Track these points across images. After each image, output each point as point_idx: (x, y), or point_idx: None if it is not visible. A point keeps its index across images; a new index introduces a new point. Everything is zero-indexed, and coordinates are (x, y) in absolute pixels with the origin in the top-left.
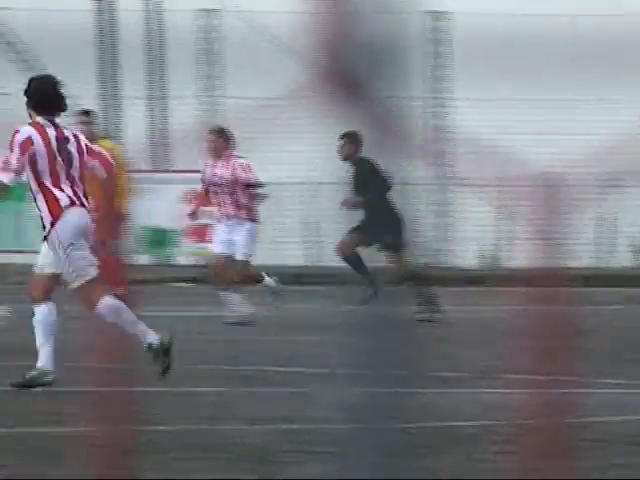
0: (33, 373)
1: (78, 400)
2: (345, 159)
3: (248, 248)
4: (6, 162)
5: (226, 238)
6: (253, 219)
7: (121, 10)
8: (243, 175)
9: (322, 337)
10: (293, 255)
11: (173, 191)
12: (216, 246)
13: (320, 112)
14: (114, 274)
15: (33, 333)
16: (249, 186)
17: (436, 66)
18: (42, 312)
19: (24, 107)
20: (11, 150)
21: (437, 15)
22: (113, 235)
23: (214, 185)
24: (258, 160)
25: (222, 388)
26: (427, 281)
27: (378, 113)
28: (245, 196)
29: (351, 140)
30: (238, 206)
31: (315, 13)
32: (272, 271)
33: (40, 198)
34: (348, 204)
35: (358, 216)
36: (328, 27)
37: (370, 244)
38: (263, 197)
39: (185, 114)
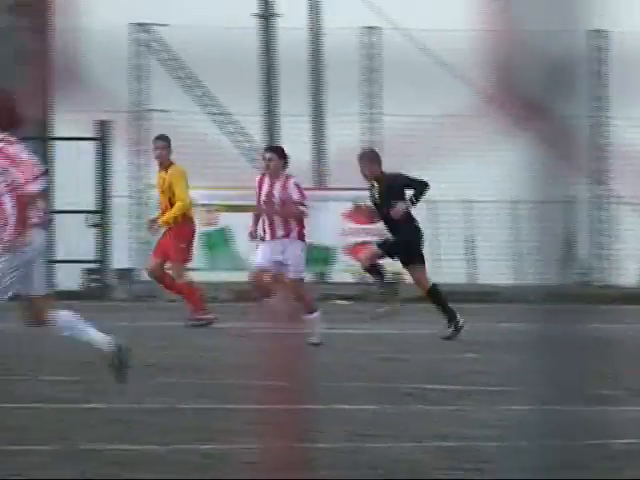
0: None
1: (231, 417)
2: (371, 178)
3: (300, 271)
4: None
5: (269, 254)
6: (302, 239)
7: (283, 28)
8: (294, 193)
9: (482, 355)
10: (455, 273)
11: (334, 209)
12: (257, 259)
13: (489, 131)
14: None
15: (191, 349)
16: (296, 203)
17: (598, 85)
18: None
19: (184, 124)
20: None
21: (598, 33)
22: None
23: (267, 204)
24: (419, 175)
25: (379, 405)
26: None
27: (554, 132)
28: (295, 218)
29: (372, 159)
30: (288, 226)
31: (485, 31)
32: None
33: (9, 201)
34: (398, 213)
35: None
36: (499, 46)
37: (391, 257)
38: (303, 216)
39: (345, 132)
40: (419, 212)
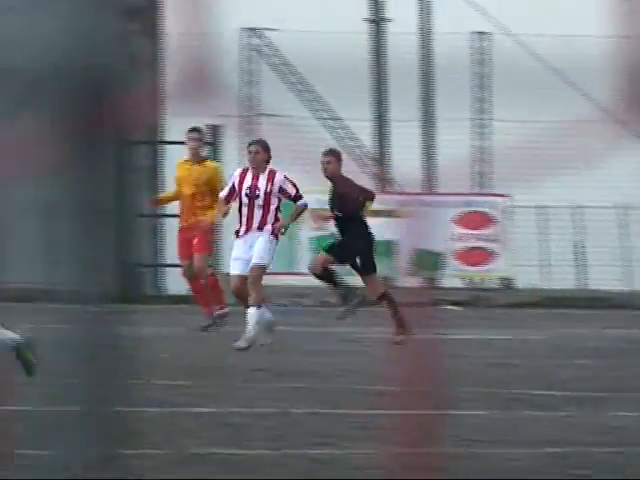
0: None
1: (342, 422)
2: (330, 177)
3: (264, 258)
4: None
5: (243, 256)
6: (275, 235)
7: (394, 32)
8: (288, 188)
9: (590, 361)
10: (564, 279)
11: (443, 214)
12: (233, 265)
13: (601, 137)
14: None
15: (302, 353)
16: (294, 197)
17: None
18: None
19: (295, 129)
20: None
21: None
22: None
23: (248, 197)
24: (529, 181)
25: (487, 411)
26: (396, 302)
27: None
28: (276, 212)
29: (337, 158)
30: (265, 221)
31: (609, 37)
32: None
33: None
34: (319, 219)
35: (336, 235)
36: (631, 51)
37: (341, 262)
38: (304, 208)
39: (455, 137)
40: (529, 218)
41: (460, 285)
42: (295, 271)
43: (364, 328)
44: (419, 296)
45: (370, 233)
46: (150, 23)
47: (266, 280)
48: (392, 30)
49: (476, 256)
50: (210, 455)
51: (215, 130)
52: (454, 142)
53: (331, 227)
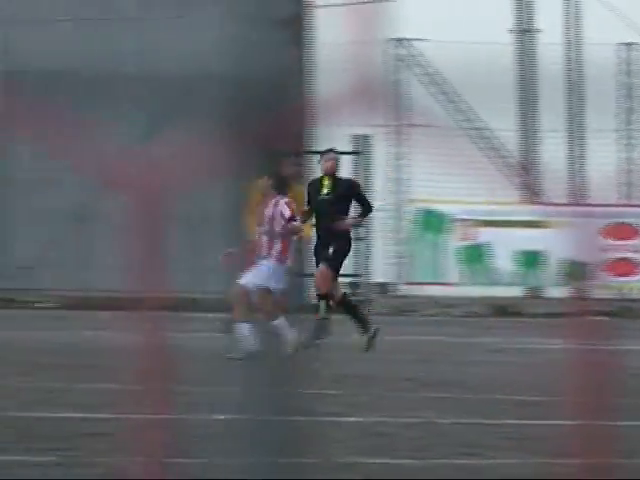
0: None
1: (489, 432)
2: (332, 175)
3: (268, 281)
4: None
5: (253, 276)
6: (280, 260)
7: (541, 43)
8: (284, 210)
9: None
10: None
11: (592, 224)
12: (243, 278)
13: None
14: None
15: (450, 363)
16: (287, 220)
17: None
18: None
19: (444, 139)
20: None
21: None
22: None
23: (259, 225)
24: None
25: (626, 422)
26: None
27: None
28: (281, 236)
29: (337, 157)
30: (272, 245)
31: None
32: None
33: None
34: (347, 226)
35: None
36: None
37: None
38: (296, 230)
39: (603, 148)
40: None
41: (607, 296)
42: (441, 281)
43: (510, 338)
44: (570, 306)
45: (350, 237)
46: (300, 33)
47: (411, 290)
48: (540, 40)
49: (623, 267)
50: (355, 464)
51: (364, 140)
52: (602, 152)
53: (477, 238)
